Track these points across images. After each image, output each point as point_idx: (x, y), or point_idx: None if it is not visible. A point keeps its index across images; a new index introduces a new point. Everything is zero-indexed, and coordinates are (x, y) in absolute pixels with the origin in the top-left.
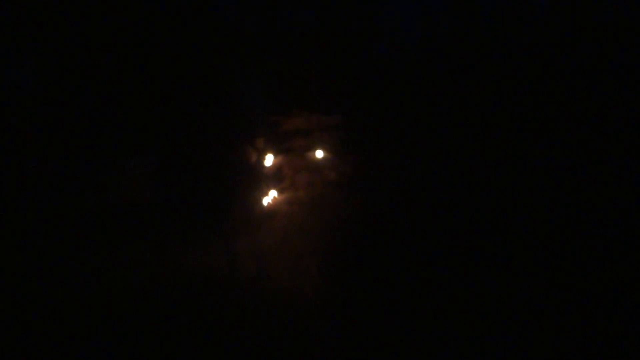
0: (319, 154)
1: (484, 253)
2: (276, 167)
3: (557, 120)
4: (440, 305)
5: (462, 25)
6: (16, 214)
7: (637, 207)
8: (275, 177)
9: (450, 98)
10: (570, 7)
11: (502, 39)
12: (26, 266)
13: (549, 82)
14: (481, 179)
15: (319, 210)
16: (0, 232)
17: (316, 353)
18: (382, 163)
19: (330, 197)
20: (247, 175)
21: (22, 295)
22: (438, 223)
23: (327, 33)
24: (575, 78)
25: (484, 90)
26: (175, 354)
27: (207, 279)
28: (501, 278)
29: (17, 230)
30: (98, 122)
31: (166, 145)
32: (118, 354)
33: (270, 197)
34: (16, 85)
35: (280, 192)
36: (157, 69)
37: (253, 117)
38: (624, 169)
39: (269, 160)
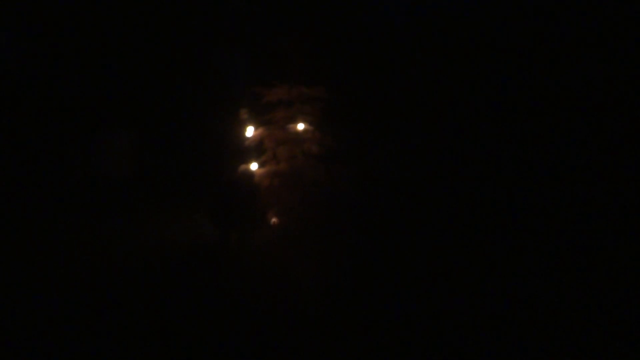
0: (301, 126)
1: (464, 224)
2: (257, 140)
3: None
4: (424, 277)
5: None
6: None
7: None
8: (256, 150)
9: (435, 71)
10: None
11: (493, 14)
12: (10, 242)
13: (537, 59)
14: (466, 151)
15: (300, 183)
16: None
17: (304, 325)
18: (364, 135)
19: (311, 170)
20: (230, 146)
21: (9, 270)
22: (420, 197)
23: (311, 3)
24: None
25: (472, 65)
26: (163, 327)
27: (193, 251)
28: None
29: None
30: (78, 96)
31: (149, 118)
32: (107, 328)
33: (251, 169)
34: None
35: (261, 165)
36: (137, 41)
37: (234, 88)
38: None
39: (249, 132)
